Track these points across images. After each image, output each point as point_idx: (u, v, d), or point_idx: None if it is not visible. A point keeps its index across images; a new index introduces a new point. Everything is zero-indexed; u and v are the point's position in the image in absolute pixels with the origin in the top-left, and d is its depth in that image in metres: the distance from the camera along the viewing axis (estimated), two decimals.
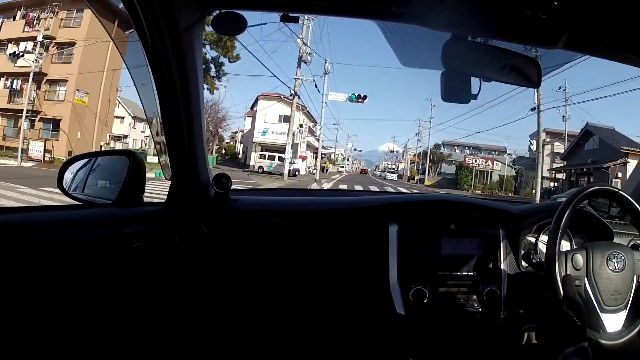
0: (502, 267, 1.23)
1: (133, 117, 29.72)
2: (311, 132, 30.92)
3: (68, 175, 1.16)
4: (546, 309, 0.93)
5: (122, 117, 29.59)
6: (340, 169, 48.43)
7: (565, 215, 1.04)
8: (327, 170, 35.98)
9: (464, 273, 1.22)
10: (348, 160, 58.98)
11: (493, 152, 38.98)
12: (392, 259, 1.20)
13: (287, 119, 22.63)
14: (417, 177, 38.02)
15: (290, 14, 0.92)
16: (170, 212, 1.19)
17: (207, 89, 20.61)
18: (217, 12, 0.91)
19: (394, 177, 41.33)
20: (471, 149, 39.22)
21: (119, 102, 26.10)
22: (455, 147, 38.99)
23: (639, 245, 1.23)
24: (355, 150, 66.09)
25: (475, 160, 31.48)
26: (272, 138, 25.66)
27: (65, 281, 0.90)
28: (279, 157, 21.76)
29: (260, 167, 22.69)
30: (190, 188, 1.18)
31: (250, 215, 1.28)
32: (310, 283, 1.28)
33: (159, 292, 1.14)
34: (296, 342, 1.31)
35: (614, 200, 1.24)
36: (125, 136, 28.92)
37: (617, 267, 1.02)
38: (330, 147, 45.69)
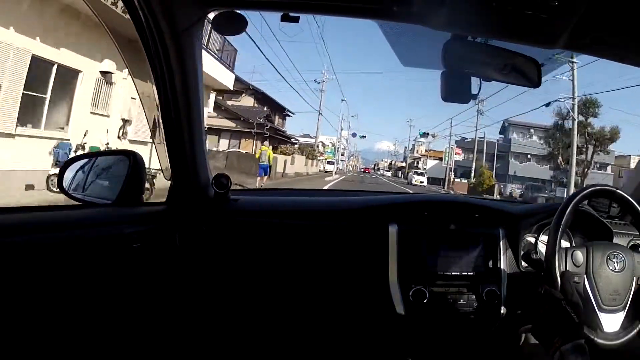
0: (502, 267, 1.23)
1: None
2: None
3: (68, 175, 1.16)
4: (543, 305, 0.93)
5: None
6: (329, 167, 28.89)
7: (566, 214, 1.04)
8: (283, 174, 17.37)
9: (463, 273, 1.22)
10: (343, 154, 37.60)
11: None
12: (392, 259, 1.20)
13: None
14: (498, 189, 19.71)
15: (291, 14, 0.92)
16: (170, 212, 1.19)
17: None
18: (217, 12, 0.91)
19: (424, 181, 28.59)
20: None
21: None
22: (511, 128, 28.46)
23: (638, 246, 1.23)
24: (355, 136, 41.20)
25: None
26: None
27: (66, 282, 0.90)
28: None
29: None
30: (190, 188, 1.18)
31: (250, 215, 1.28)
32: (310, 283, 1.28)
33: (160, 292, 1.14)
34: (296, 342, 1.31)
35: (614, 200, 1.24)
36: None
37: (616, 268, 1.02)
38: (312, 136, 29.93)
